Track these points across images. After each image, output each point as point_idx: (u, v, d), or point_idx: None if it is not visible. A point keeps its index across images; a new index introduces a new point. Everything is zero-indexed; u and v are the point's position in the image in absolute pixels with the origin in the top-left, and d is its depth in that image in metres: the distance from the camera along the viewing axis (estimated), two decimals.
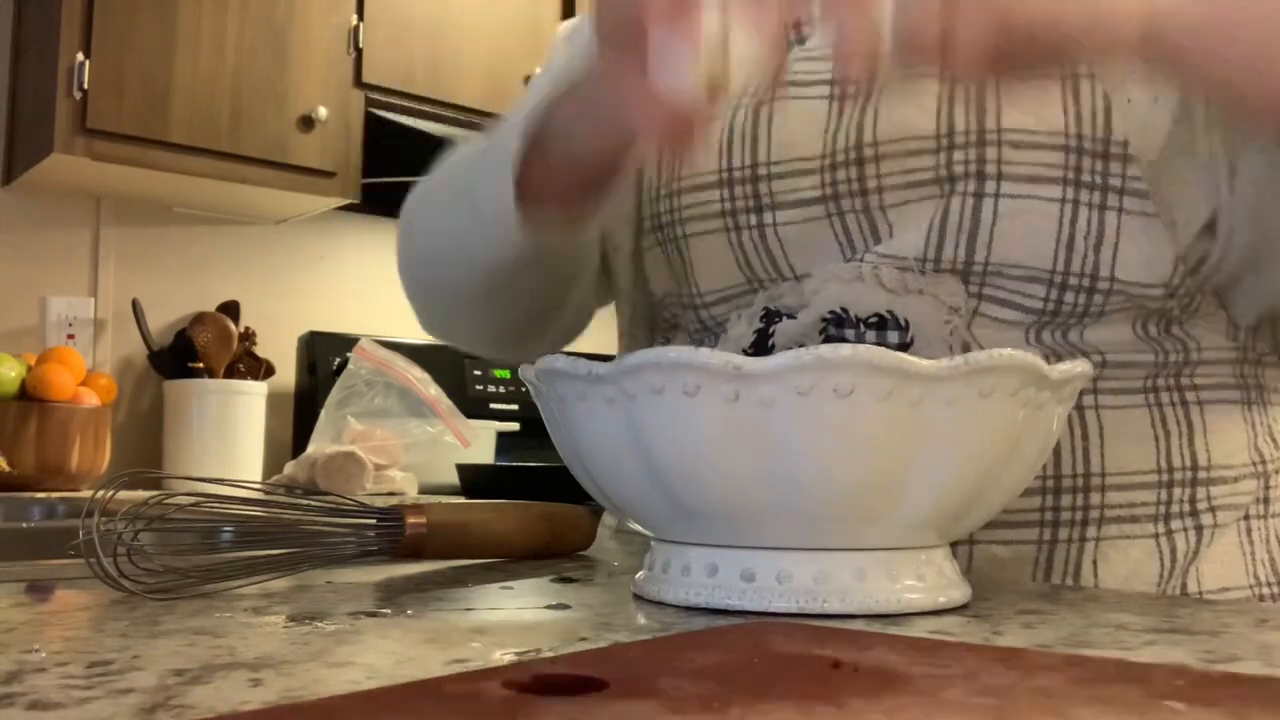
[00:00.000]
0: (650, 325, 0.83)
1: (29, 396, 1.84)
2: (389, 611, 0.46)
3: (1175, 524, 0.66)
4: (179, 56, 2.00)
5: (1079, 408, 0.66)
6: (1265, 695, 0.31)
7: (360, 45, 2.18)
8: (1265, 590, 0.68)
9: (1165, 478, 0.66)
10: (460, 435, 2.02)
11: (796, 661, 0.35)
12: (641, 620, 0.45)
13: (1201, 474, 0.67)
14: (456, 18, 2.32)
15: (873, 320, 0.65)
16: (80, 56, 1.91)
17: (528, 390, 0.54)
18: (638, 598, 0.51)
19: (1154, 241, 0.64)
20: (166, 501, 0.50)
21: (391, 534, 0.57)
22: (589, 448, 0.49)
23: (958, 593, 0.49)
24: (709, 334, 0.75)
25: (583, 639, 0.40)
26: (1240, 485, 0.68)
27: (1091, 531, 0.65)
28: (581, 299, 0.81)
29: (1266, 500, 0.70)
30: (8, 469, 1.79)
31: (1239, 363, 0.70)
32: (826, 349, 0.42)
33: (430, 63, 2.28)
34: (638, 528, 0.52)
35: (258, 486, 0.58)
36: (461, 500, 1.46)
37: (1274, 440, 0.71)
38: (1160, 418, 0.67)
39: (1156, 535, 0.66)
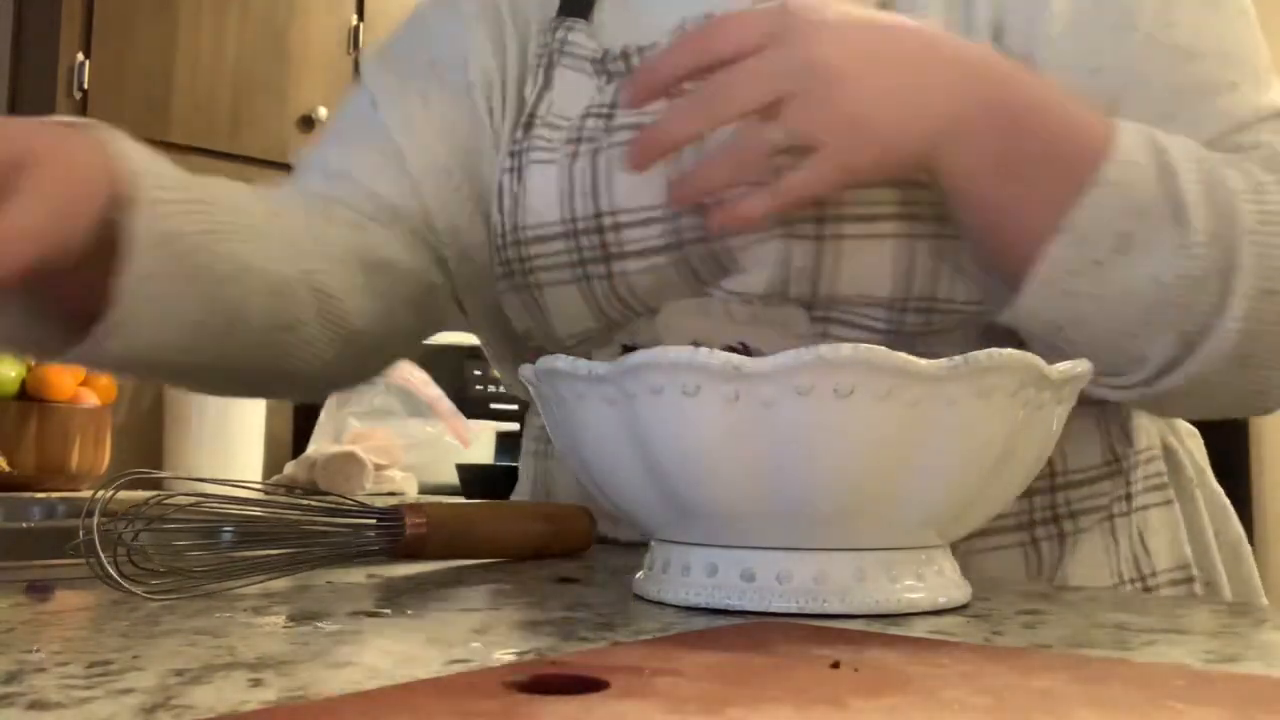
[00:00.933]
0: (515, 346, 0.82)
1: (29, 396, 1.84)
2: (389, 611, 0.46)
3: (1040, 531, 0.69)
4: (179, 56, 2.00)
5: None
6: (1265, 695, 0.31)
7: (360, 45, 2.19)
8: (1128, 586, 0.71)
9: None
10: (460, 435, 2.02)
11: (796, 661, 0.35)
12: (641, 620, 0.45)
13: (1059, 479, 0.69)
14: None
15: (725, 350, 0.67)
16: (80, 56, 1.91)
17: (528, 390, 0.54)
18: (638, 598, 0.51)
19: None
20: (166, 501, 0.50)
21: (391, 534, 0.57)
22: (589, 448, 0.49)
23: (958, 593, 0.49)
24: None
25: (583, 639, 0.40)
26: (1099, 487, 0.71)
27: (962, 545, 0.66)
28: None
29: (1129, 496, 0.72)
30: (8, 469, 1.79)
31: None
32: (826, 349, 0.42)
33: None
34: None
35: (258, 486, 0.59)
36: (461, 500, 1.46)
37: (1128, 437, 0.73)
38: None
39: (1024, 544, 0.68)
